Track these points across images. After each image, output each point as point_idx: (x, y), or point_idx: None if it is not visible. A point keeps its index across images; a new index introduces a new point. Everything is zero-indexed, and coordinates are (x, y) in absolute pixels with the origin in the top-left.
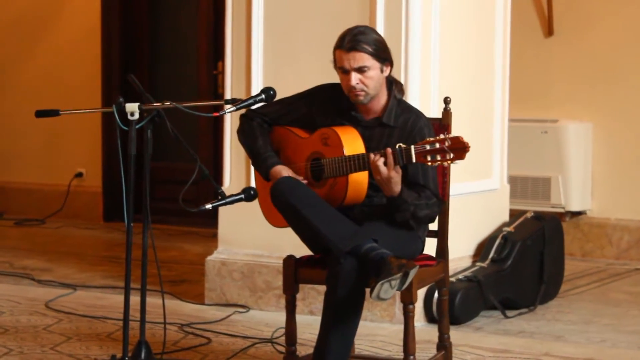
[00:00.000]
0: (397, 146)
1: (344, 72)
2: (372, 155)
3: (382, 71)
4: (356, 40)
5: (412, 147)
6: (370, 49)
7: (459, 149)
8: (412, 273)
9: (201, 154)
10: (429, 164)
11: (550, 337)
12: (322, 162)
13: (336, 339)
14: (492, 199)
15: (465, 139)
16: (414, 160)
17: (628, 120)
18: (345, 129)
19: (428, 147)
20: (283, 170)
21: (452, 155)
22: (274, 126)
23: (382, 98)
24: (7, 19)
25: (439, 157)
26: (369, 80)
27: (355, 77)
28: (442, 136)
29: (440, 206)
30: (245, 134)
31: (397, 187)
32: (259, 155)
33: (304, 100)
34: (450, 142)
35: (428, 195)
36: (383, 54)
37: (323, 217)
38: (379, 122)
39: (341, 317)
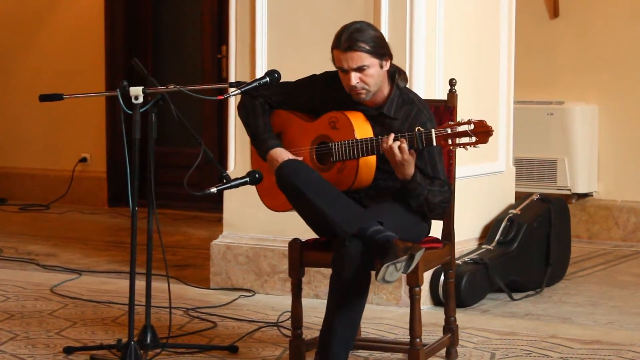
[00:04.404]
0: (416, 129)
1: (344, 71)
2: (386, 140)
3: (381, 67)
4: (353, 39)
5: (433, 130)
6: (367, 47)
7: (483, 132)
8: (418, 256)
9: (205, 138)
10: (450, 147)
11: (557, 319)
12: (330, 145)
13: (342, 322)
14: (498, 181)
15: (489, 123)
16: (434, 144)
17: (634, 102)
18: (354, 113)
19: (449, 130)
20: (283, 153)
21: (474, 139)
22: (277, 110)
23: (385, 89)
24: (10, 4)
25: (460, 141)
26: (369, 78)
27: (355, 77)
28: (465, 119)
29: (452, 194)
30: (246, 111)
31: (410, 169)
32: (259, 135)
33: (306, 87)
34: (473, 126)
35: (440, 183)
36: (381, 50)
37: (328, 200)
38: (379, 112)
39: (347, 300)
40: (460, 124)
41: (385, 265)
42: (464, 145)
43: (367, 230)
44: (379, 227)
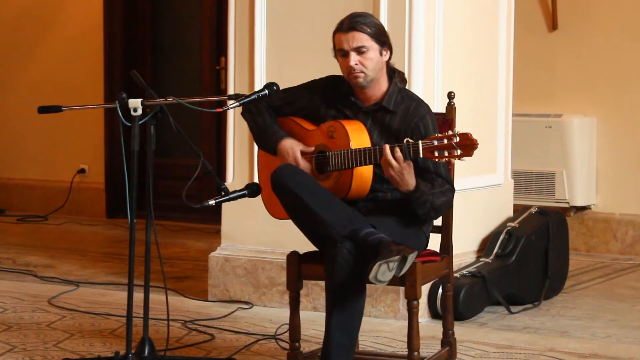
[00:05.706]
0: (405, 141)
1: (343, 54)
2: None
3: (381, 54)
4: (355, 21)
5: (420, 142)
6: (369, 30)
7: (468, 145)
8: (411, 258)
9: (204, 150)
10: (436, 159)
11: (554, 332)
12: (327, 154)
13: (339, 329)
14: (496, 194)
15: (474, 136)
16: (421, 156)
17: (632, 115)
18: (352, 123)
19: (436, 142)
20: (294, 144)
21: (459, 152)
22: (279, 117)
23: (383, 85)
24: (9, 16)
25: (446, 153)
26: (368, 61)
27: (354, 58)
28: (450, 132)
29: (454, 192)
30: (251, 113)
31: (411, 180)
32: (267, 131)
33: (306, 89)
34: (458, 139)
35: (440, 183)
36: (382, 37)
37: (322, 202)
38: (378, 106)
39: (341, 304)
40: (446, 136)
41: (377, 264)
42: (449, 157)
43: (360, 231)
44: (372, 230)
